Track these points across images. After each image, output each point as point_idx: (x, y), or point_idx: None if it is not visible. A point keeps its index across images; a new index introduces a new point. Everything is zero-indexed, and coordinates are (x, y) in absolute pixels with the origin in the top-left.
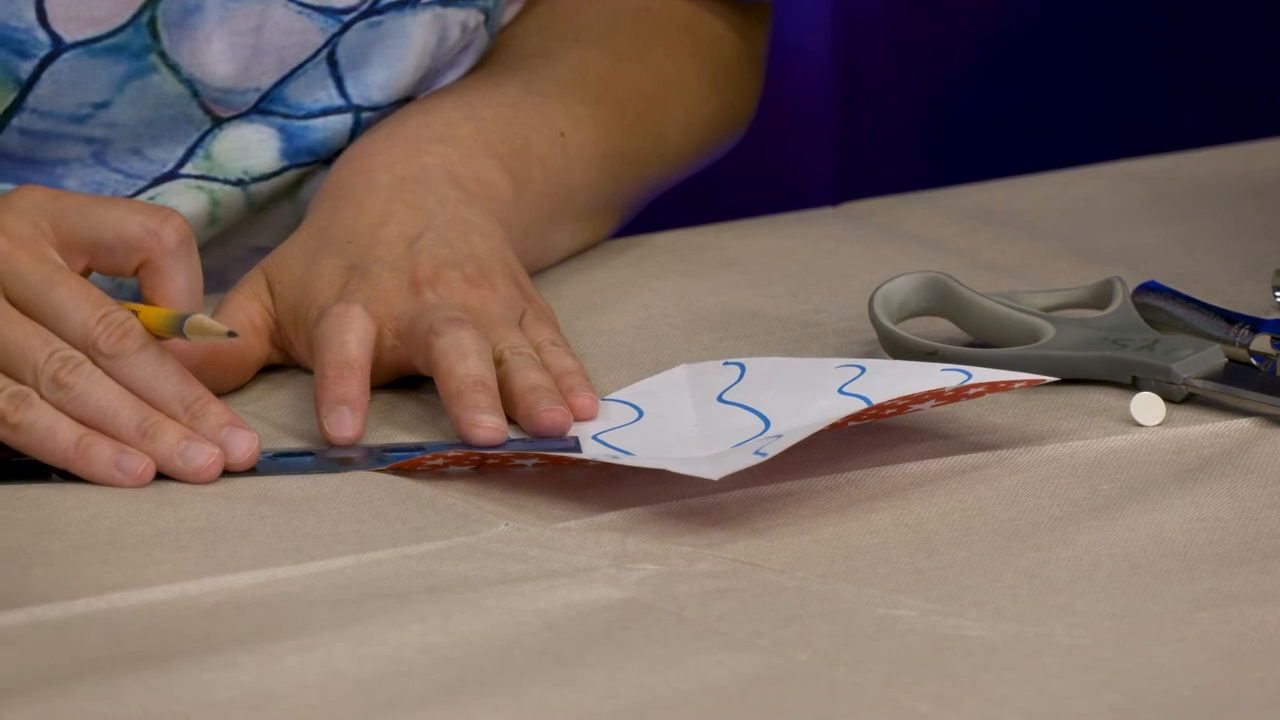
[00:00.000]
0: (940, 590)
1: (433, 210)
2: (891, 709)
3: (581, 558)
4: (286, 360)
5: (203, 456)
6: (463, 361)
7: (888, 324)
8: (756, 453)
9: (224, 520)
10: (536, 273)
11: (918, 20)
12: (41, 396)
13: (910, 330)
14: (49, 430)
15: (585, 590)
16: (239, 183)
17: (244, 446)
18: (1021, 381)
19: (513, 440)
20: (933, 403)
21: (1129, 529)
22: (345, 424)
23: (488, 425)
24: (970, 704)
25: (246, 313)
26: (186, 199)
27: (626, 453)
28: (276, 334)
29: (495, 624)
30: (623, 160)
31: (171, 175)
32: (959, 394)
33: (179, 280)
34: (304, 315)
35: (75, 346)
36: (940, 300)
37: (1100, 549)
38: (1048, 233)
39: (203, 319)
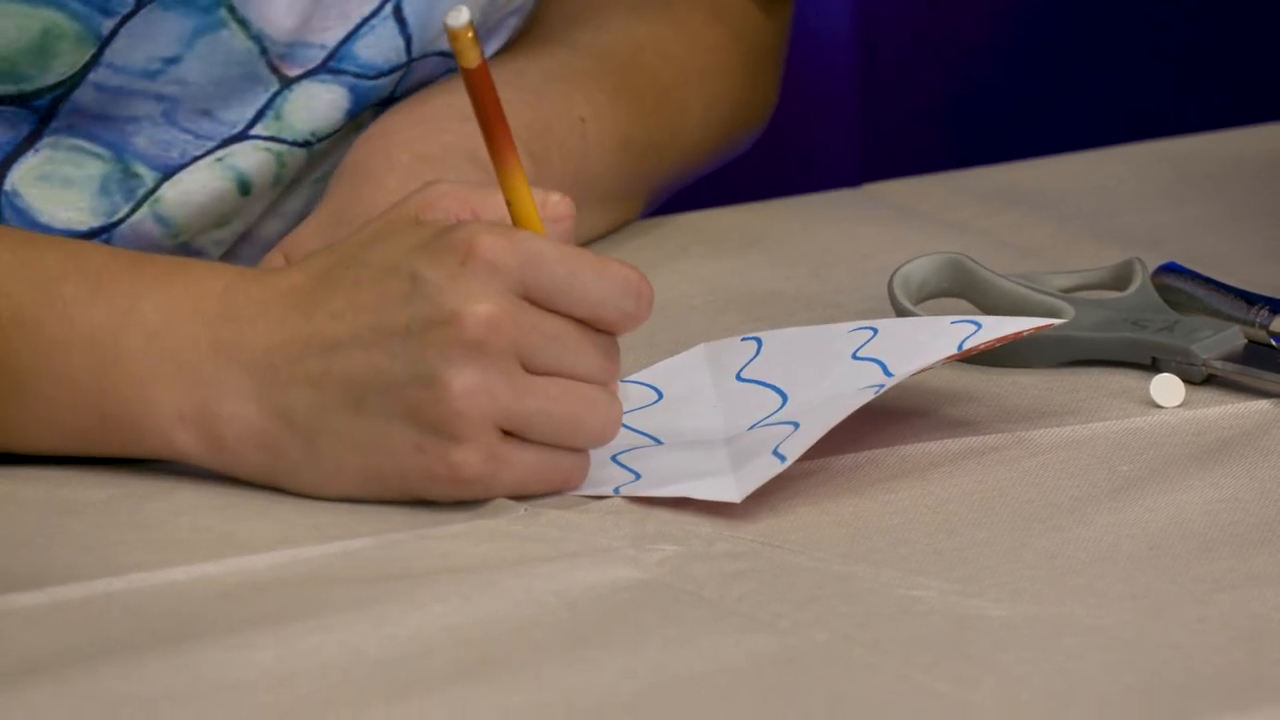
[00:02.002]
0: (959, 571)
1: None
2: (910, 689)
3: (601, 539)
4: None
5: None
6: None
7: (907, 305)
8: (775, 453)
9: (243, 500)
10: None
11: (937, 4)
12: None
13: (930, 311)
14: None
15: (604, 571)
16: (305, 144)
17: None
18: (1031, 329)
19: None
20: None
21: (1148, 510)
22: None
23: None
24: (989, 684)
25: None
26: (254, 159)
27: (648, 435)
28: None
29: (514, 604)
30: (643, 149)
31: (241, 136)
32: (972, 349)
33: None
34: None
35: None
36: (960, 281)
37: (1120, 530)
38: (1067, 214)
39: None
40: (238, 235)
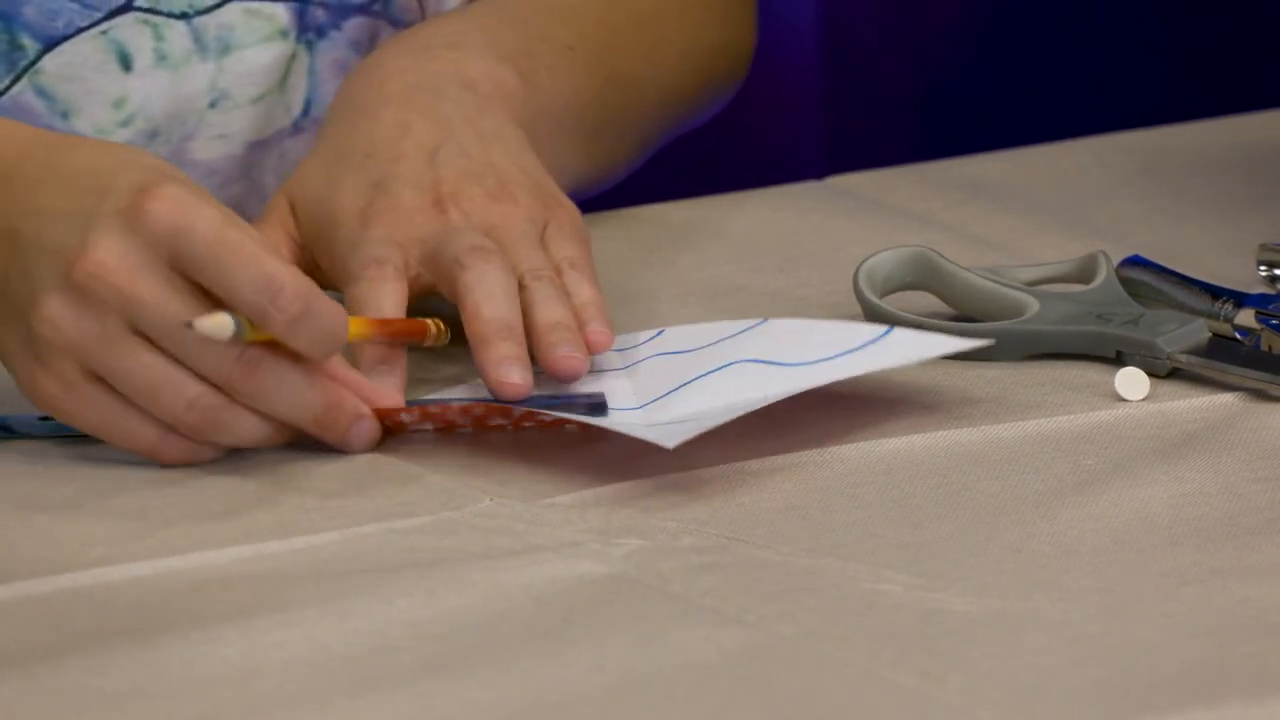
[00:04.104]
0: (925, 565)
1: (449, 118)
2: (877, 684)
3: (566, 532)
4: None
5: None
6: (489, 302)
7: (873, 298)
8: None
9: (208, 495)
10: None
11: None
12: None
13: (895, 304)
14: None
15: (570, 565)
16: (183, 15)
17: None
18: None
19: (537, 396)
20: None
21: (1113, 504)
22: (387, 387)
23: (513, 381)
24: (956, 679)
25: (274, 245)
26: (133, 32)
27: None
28: (301, 256)
29: (481, 599)
30: (626, 81)
31: (126, 8)
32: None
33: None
34: (328, 235)
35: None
36: (925, 274)
37: (1084, 524)
38: (1034, 206)
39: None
40: (146, 136)
